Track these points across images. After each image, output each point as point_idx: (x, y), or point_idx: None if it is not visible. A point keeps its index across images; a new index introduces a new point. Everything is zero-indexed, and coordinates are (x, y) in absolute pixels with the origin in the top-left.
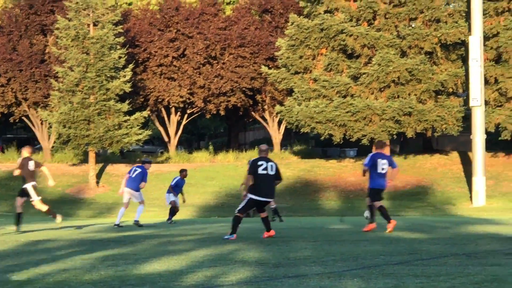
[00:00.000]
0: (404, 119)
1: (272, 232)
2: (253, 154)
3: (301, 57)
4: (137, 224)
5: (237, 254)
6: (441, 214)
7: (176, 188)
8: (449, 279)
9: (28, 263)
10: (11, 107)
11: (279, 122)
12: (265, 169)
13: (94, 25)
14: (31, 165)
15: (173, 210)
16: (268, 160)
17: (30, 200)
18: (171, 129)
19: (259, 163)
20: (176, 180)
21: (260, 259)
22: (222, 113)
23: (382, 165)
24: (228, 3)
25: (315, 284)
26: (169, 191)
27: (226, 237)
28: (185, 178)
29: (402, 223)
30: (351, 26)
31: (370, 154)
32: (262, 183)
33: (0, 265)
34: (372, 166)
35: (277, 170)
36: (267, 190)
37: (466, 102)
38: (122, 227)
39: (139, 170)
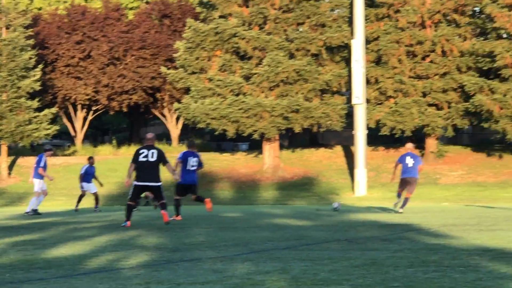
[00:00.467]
0: (292, 116)
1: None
2: None
3: (197, 58)
4: (36, 213)
5: (137, 240)
6: (325, 203)
7: (87, 175)
8: (331, 262)
9: None
10: None
11: (177, 118)
12: (146, 156)
13: (7, 28)
14: None
15: (81, 197)
16: (150, 147)
17: None
18: (78, 124)
19: (141, 151)
20: (85, 168)
21: (158, 244)
22: (125, 110)
23: (192, 163)
24: (130, 9)
25: (208, 267)
26: (81, 180)
27: (122, 224)
28: (93, 165)
29: (290, 211)
30: (244, 30)
31: (183, 152)
32: (142, 169)
33: None
34: (182, 162)
35: (160, 156)
36: (148, 176)
37: (349, 100)
38: (41, 214)
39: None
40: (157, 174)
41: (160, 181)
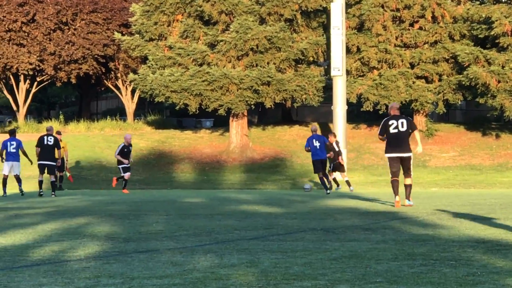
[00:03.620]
0: (262, 89)
1: None
2: (104, 124)
3: (156, 23)
4: None
5: (87, 228)
6: (299, 187)
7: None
8: (305, 255)
9: None
10: None
11: (133, 91)
12: (48, 141)
13: None
14: None
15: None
16: (49, 135)
17: None
18: (20, 97)
19: (45, 138)
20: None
21: (110, 233)
22: (74, 81)
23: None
24: None
25: (166, 259)
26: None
27: None
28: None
29: (259, 197)
30: None
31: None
32: (43, 152)
33: None
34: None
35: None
36: (46, 157)
37: (327, 71)
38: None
39: None
40: (52, 155)
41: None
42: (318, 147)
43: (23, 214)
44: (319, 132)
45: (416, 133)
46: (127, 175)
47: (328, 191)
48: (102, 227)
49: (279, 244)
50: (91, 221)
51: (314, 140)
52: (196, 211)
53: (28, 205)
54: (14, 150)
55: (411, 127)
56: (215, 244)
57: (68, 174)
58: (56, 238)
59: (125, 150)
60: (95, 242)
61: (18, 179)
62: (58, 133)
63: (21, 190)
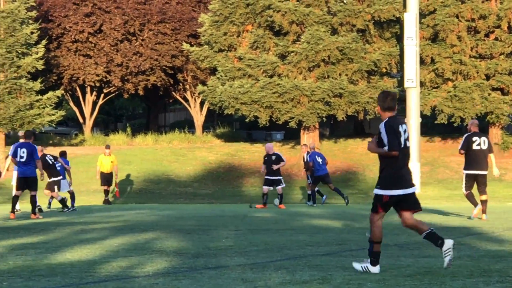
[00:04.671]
0: (334, 101)
1: None
2: (172, 136)
3: (225, 34)
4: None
5: (155, 244)
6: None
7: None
8: (379, 271)
9: None
10: None
11: (202, 103)
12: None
13: None
14: None
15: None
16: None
17: None
18: (87, 109)
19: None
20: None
21: (179, 248)
22: (141, 93)
23: (21, 153)
24: None
25: (236, 275)
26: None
27: None
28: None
29: (331, 211)
30: (279, 1)
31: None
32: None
33: None
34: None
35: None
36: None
37: (401, 83)
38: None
39: None
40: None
41: None
42: (320, 163)
43: (89, 229)
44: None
45: (492, 156)
46: (266, 188)
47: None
48: (171, 242)
49: (352, 261)
50: (160, 236)
51: (316, 156)
52: (266, 226)
53: (95, 219)
54: (59, 168)
55: (490, 148)
56: (287, 260)
57: (115, 189)
58: (123, 253)
59: (266, 158)
60: (164, 257)
61: (72, 196)
62: (107, 147)
63: (73, 206)
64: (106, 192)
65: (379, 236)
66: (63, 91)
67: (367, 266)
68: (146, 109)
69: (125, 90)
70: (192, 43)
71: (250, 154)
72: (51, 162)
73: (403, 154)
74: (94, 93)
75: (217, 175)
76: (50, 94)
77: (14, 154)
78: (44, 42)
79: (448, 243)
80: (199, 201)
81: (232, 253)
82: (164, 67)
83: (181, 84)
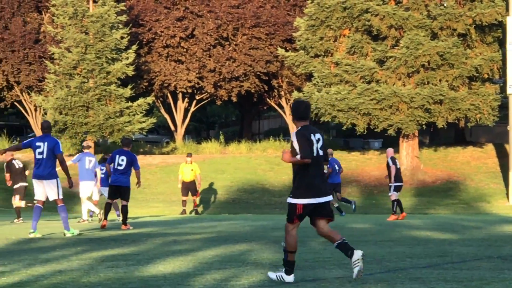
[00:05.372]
0: (434, 108)
1: None
2: (267, 145)
3: (321, 38)
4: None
5: (250, 255)
6: (474, 212)
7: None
8: (482, 284)
9: (19, 263)
10: (1, 91)
11: None
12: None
13: (94, 1)
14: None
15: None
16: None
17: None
18: (178, 116)
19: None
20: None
21: (275, 260)
22: (234, 99)
23: (120, 161)
24: None
25: None
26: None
27: None
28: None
29: (431, 222)
30: (377, 5)
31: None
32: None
33: None
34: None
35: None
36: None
37: (503, 89)
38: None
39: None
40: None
41: None
42: (337, 171)
43: (182, 240)
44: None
45: None
46: (394, 195)
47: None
48: (266, 254)
49: (454, 273)
50: (254, 247)
51: (335, 164)
52: (364, 237)
53: (187, 230)
54: (103, 175)
55: None
56: (386, 272)
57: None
58: (217, 265)
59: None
60: (259, 270)
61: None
62: (189, 155)
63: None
64: (184, 203)
65: (294, 246)
66: (154, 98)
67: (281, 275)
68: (240, 116)
69: (217, 97)
70: (287, 48)
71: (347, 162)
72: (18, 167)
73: (316, 163)
74: (186, 99)
75: None
76: (140, 101)
77: (111, 161)
78: (134, 47)
79: (357, 254)
80: None
81: (330, 265)
82: (258, 73)
83: (275, 90)
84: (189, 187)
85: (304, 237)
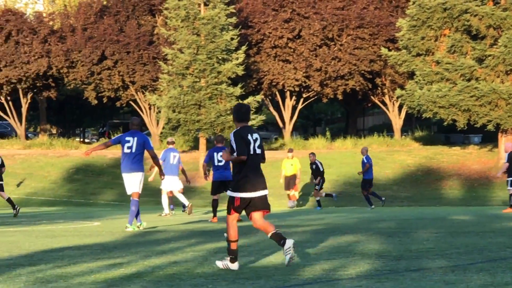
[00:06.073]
0: None
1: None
2: (371, 140)
3: (423, 38)
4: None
5: (356, 246)
6: None
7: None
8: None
9: (136, 255)
10: (117, 91)
11: (400, 107)
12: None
13: (205, 4)
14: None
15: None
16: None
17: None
18: (286, 114)
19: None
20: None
21: (380, 251)
22: (340, 97)
23: (219, 157)
24: None
25: (438, 278)
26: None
27: None
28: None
29: None
30: (476, 6)
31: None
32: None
33: (108, 257)
34: (210, 161)
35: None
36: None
37: None
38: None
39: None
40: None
41: None
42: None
43: (291, 232)
44: None
45: None
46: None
47: (372, 206)
48: (372, 245)
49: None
50: (360, 238)
51: (371, 160)
52: (466, 228)
53: (296, 222)
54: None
55: None
56: (487, 262)
57: (293, 192)
58: (326, 256)
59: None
60: (366, 260)
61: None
62: (290, 150)
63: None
64: (289, 196)
65: (235, 236)
66: (263, 96)
67: (227, 263)
68: (345, 113)
69: (324, 95)
70: (390, 48)
71: (449, 157)
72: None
73: (252, 160)
74: (294, 97)
75: (416, 178)
76: (250, 99)
77: (208, 159)
78: (244, 48)
79: (289, 242)
80: (398, 204)
81: (433, 255)
82: (362, 71)
83: (379, 88)
84: (289, 181)
85: (408, 229)
